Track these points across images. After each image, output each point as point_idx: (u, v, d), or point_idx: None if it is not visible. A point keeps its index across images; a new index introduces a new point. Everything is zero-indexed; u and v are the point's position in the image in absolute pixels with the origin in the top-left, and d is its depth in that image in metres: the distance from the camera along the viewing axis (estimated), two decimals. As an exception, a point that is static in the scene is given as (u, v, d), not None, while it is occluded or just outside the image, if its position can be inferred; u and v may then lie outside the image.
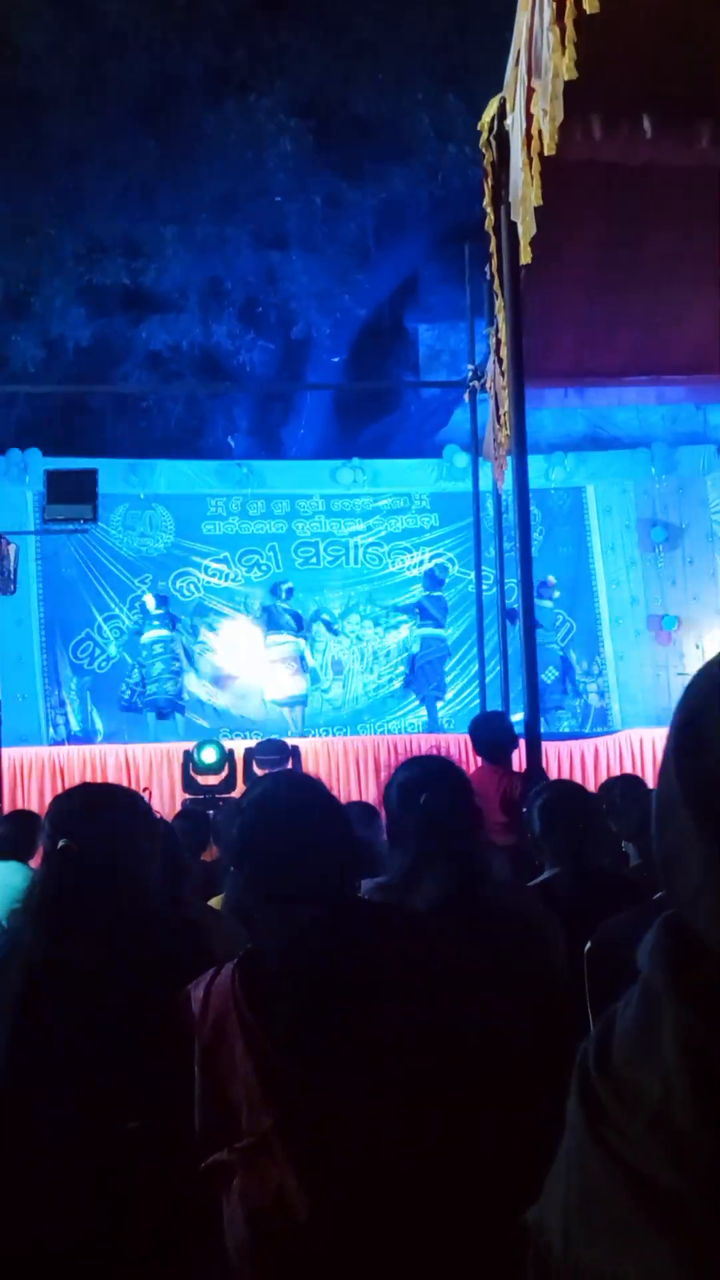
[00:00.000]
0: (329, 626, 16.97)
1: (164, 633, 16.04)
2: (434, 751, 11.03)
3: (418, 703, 16.58)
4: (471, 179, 12.70)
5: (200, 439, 19.65)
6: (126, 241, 17.24)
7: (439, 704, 16.32)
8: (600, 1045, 0.96)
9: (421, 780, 3.00)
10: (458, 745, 13.39)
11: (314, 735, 15.39)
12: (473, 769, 9.54)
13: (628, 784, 6.40)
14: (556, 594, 16.58)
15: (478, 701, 13.86)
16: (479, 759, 7.46)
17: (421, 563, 17.46)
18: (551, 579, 16.48)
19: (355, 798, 9.85)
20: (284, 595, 16.46)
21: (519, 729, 8.08)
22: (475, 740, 7.53)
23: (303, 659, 16.25)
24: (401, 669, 16.98)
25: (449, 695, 16.46)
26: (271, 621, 16.36)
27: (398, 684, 17.13)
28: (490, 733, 7.50)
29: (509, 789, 6.84)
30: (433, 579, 16.78)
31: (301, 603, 16.93)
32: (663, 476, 17.51)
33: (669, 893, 0.95)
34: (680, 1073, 0.86)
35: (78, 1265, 2.30)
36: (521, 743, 7.27)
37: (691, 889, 0.91)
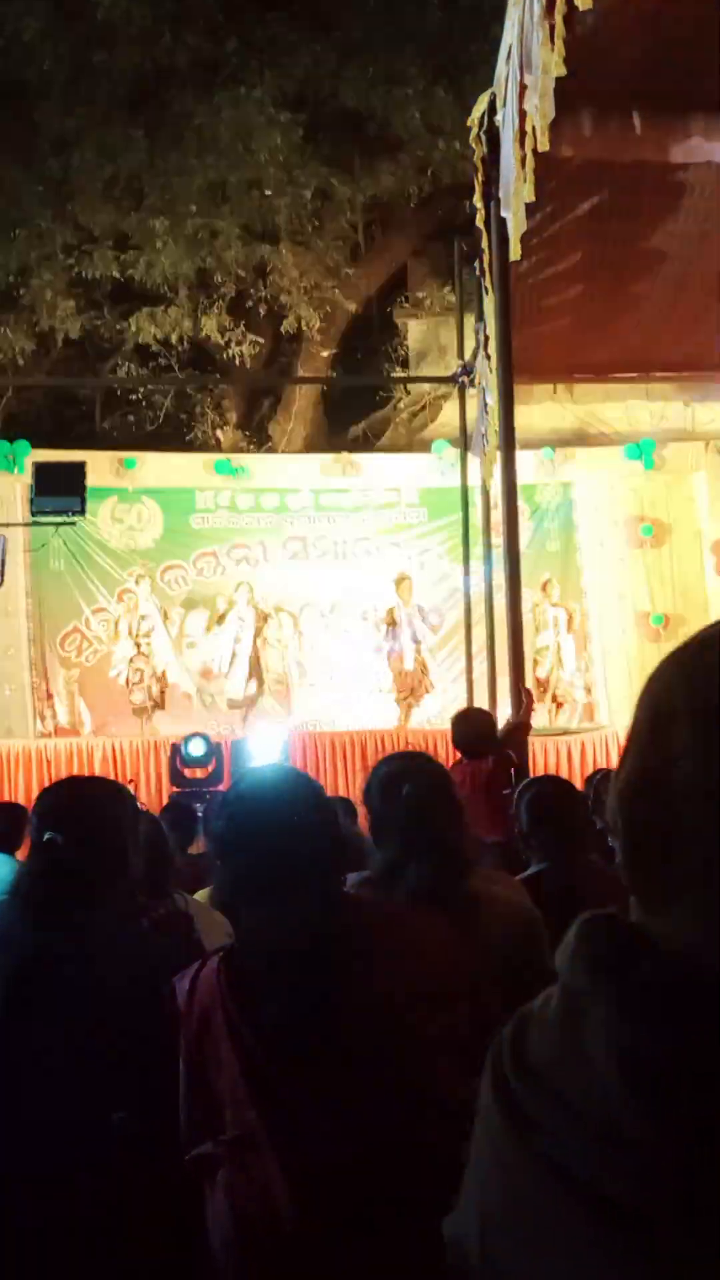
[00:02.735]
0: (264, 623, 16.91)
1: (155, 625, 16.04)
2: (418, 747, 11.04)
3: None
4: (462, 174, 12.70)
5: (189, 432, 19.61)
6: (116, 234, 17.19)
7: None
8: (515, 1045, 0.95)
9: (402, 774, 3.00)
10: (444, 741, 13.42)
11: (299, 730, 15.38)
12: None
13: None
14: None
15: (464, 698, 13.87)
16: (458, 754, 7.45)
17: (409, 558, 17.44)
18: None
19: (339, 793, 9.85)
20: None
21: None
22: (456, 735, 7.52)
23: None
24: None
25: (434, 689, 16.46)
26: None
27: (384, 678, 17.12)
28: (471, 728, 7.49)
29: (487, 780, 6.83)
30: None
31: (289, 598, 16.93)
32: (651, 473, 17.51)
33: (645, 887, 0.93)
34: (614, 1076, 0.84)
35: (69, 1253, 2.30)
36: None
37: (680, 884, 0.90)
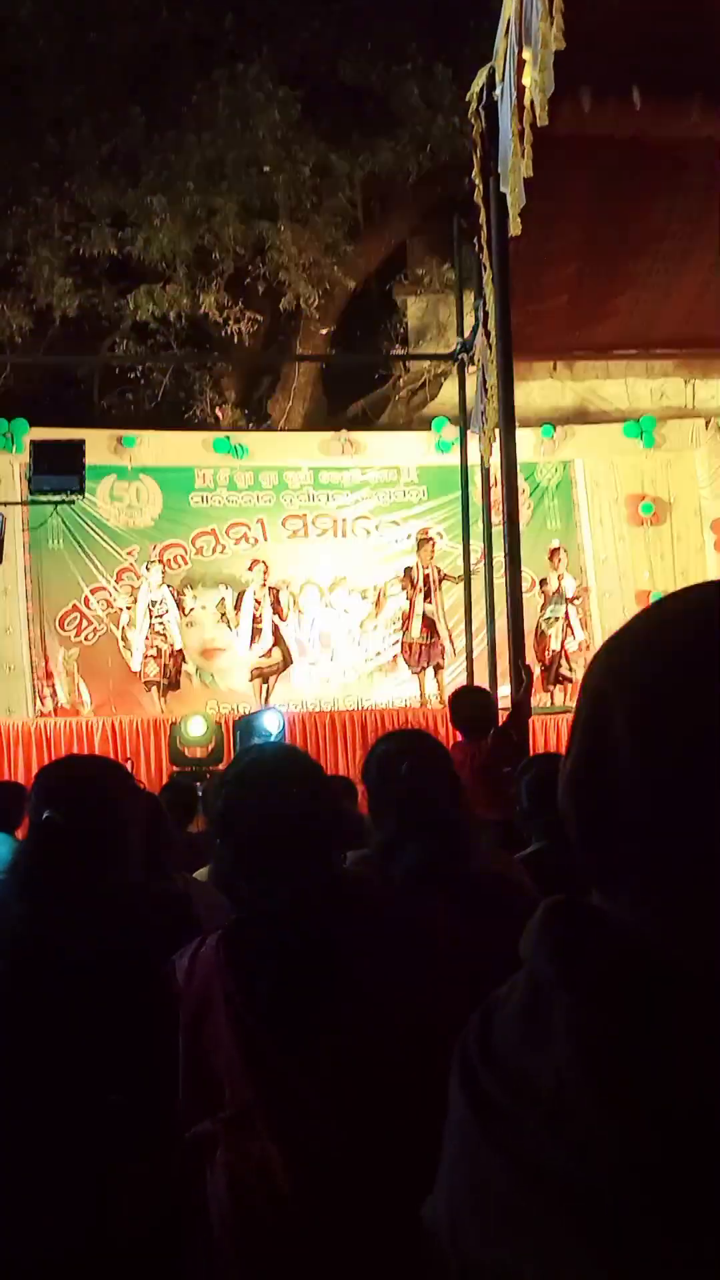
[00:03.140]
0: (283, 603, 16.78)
1: (170, 607, 16.03)
2: (421, 726, 11.04)
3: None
4: (461, 150, 12.64)
5: (188, 410, 19.57)
6: (114, 211, 17.14)
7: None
8: (481, 1035, 0.96)
9: (400, 751, 3.00)
10: (444, 719, 13.42)
11: (299, 708, 15.38)
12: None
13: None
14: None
15: (464, 675, 13.87)
16: (457, 733, 7.44)
17: (410, 535, 17.42)
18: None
19: (340, 772, 9.86)
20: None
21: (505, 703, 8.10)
22: (454, 715, 7.51)
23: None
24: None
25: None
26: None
27: (385, 656, 17.11)
28: (469, 707, 7.48)
29: (486, 760, 6.82)
30: None
31: (289, 575, 16.90)
32: (651, 451, 17.49)
33: (596, 871, 0.95)
34: (574, 1063, 0.85)
35: (65, 1239, 2.31)
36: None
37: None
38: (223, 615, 16.62)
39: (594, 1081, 0.84)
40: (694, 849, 0.87)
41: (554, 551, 16.62)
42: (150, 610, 15.97)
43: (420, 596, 16.00)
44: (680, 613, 0.94)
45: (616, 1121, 0.82)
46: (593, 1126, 0.83)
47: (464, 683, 13.63)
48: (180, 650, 16.09)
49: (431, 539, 16.57)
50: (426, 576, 16.05)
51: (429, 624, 15.93)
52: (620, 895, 0.92)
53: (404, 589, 16.31)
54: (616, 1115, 0.82)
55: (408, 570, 16.31)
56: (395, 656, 16.77)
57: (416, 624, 15.99)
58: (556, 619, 16.29)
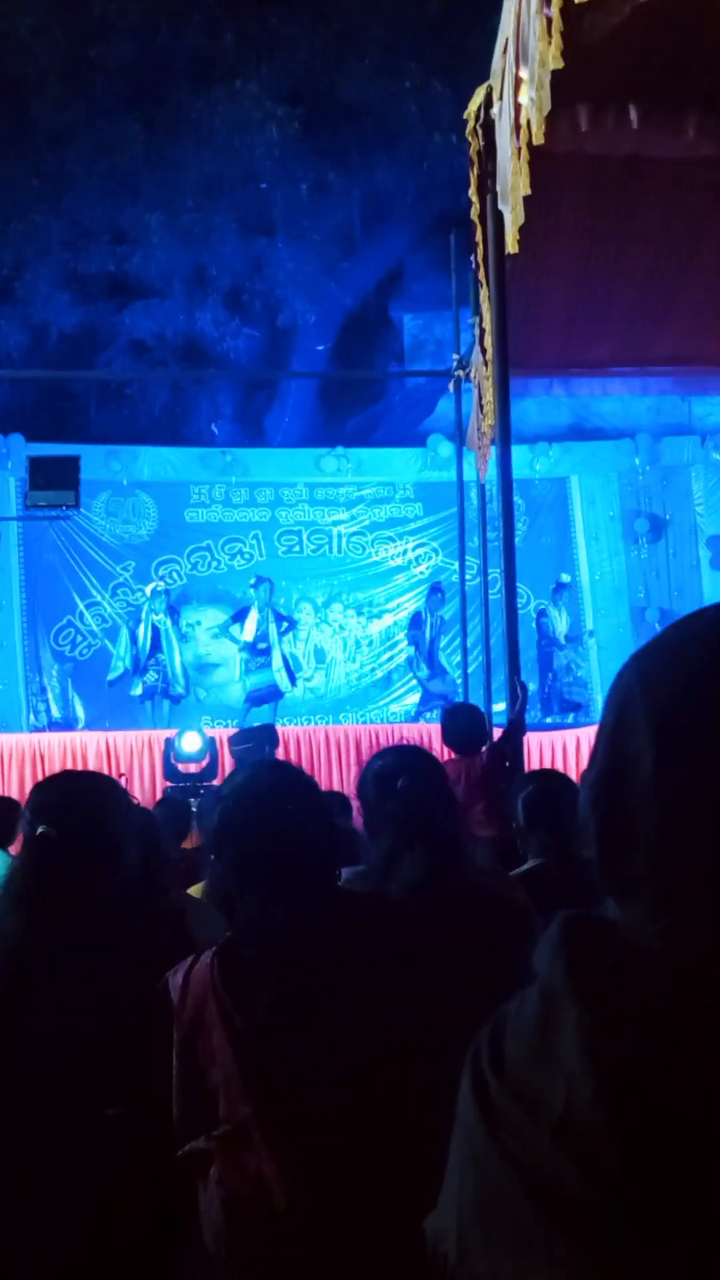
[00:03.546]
0: (286, 621, 16.72)
1: (168, 624, 16.02)
2: (416, 742, 11.02)
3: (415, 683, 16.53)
4: (458, 168, 12.66)
5: (184, 426, 19.58)
6: (112, 227, 17.18)
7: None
8: (493, 1046, 0.96)
9: (397, 768, 3.00)
10: (439, 736, 13.39)
11: (294, 724, 15.37)
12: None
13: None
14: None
15: (460, 692, 13.86)
16: (449, 751, 7.42)
17: (405, 552, 17.44)
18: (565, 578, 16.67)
19: (336, 788, 9.83)
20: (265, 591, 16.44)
21: (499, 720, 8.09)
22: (446, 732, 7.49)
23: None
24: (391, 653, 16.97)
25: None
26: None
27: (380, 673, 17.11)
28: (461, 725, 7.46)
29: (481, 776, 6.80)
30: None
31: (285, 591, 16.90)
32: (647, 468, 17.52)
33: (613, 883, 0.95)
34: (584, 1078, 0.85)
35: (63, 1252, 2.30)
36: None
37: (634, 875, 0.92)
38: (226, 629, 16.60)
39: (602, 1095, 0.84)
40: (708, 863, 0.87)
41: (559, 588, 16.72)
42: (146, 625, 15.96)
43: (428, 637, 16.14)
44: (706, 627, 0.95)
45: (623, 1136, 0.82)
46: (599, 1140, 0.83)
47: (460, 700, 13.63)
48: (175, 665, 16.07)
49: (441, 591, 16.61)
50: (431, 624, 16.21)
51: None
52: (635, 908, 0.92)
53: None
54: (623, 1130, 0.82)
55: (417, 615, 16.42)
56: (389, 673, 16.78)
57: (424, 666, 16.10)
58: None
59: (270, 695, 15.83)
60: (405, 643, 16.68)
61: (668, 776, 0.90)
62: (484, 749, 7.20)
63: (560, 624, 16.55)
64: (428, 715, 15.74)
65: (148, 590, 16.25)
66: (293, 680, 16.13)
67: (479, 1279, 0.89)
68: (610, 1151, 0.82)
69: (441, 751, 7.62)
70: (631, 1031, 0.85)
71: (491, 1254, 0.88)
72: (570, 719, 15.92)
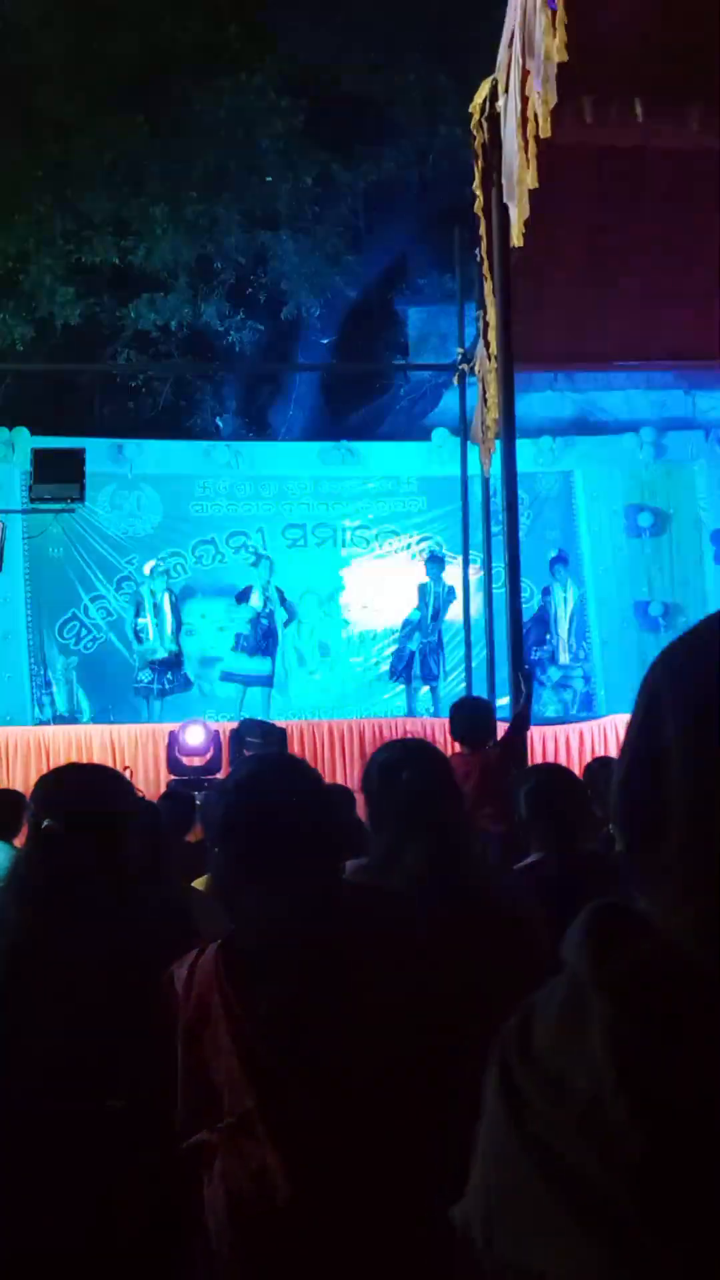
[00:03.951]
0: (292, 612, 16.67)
1: (168, 615, 16.01)
2: (420, 736, 11.02)
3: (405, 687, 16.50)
4: (462, 161, 12.64)
5: (188, 419, 19.58)
6: (115, 220, 17.17)
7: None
8: (520, 1034, 0.96)
9: (402, 761, 3.00)
10: (442, 730, 13.39)
11: (298, 718, 15.36)
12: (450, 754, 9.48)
13: (611, 768, 6.36)
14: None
15: (464, 686, 13.86)
16: (456, 745, 7.42)
17: (410, 545, 17.43)
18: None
19: (339, 781, 9.84)
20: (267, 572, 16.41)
21: (503, 713, 8.09)
22: (454, 725, 7.49)
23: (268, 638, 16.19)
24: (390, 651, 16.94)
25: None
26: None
27: (384, 667, 17.11)
28: (470, 718, 7.46)
29: (491, 770, 6.80)
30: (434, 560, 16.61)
31: (289, 585, 16.88)
32: (650, 462, 17.50)
33: (642, 873, 0.96)
34: (608, 1067, 0.85)
35: (64, 1244, 2.30)
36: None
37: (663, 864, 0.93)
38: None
39: (625, 1086, 0.84)
40: None
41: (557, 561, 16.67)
42: (151, 618, 15.95)
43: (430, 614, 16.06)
44: None
45: (647, 1125, 0.83)
46: (624, 1129, 0.83)
47: (462, 693, 13.63)
48: (179, 659, 16.07)
49: (442, 559, 16.55)
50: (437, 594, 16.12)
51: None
52: (663, 898, 0.93)
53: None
54: (647, 1119, 0.83)
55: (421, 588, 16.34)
56: (393, 666, 16.75)
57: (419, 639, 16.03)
58: None
59: (256, 680, 15.84)
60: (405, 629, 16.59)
61: (698, 767, 0.91)
62: (491, 743, 7.19)
63: (566, 602, 16.53)
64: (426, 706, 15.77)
65: (146, 569, 16.22)
66: (279, 672, 16.12)
67: (506, 1266, 0.89)
68: (632, 1142, 0.82)
69: (447, 744, 7.62)
70: (655, 1022, 0.86)
71: (519, 1240, 0.89)
72: (573, 713, 15.93)
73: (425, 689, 16.13)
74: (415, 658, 16.01)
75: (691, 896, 0.90)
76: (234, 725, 13.25)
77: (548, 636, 16.51)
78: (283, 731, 12.97)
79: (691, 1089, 0.83)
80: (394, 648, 16.68)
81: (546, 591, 16.52)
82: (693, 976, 0.87)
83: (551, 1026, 0.94)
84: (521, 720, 7.20)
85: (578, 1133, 0.86)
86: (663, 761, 0.93)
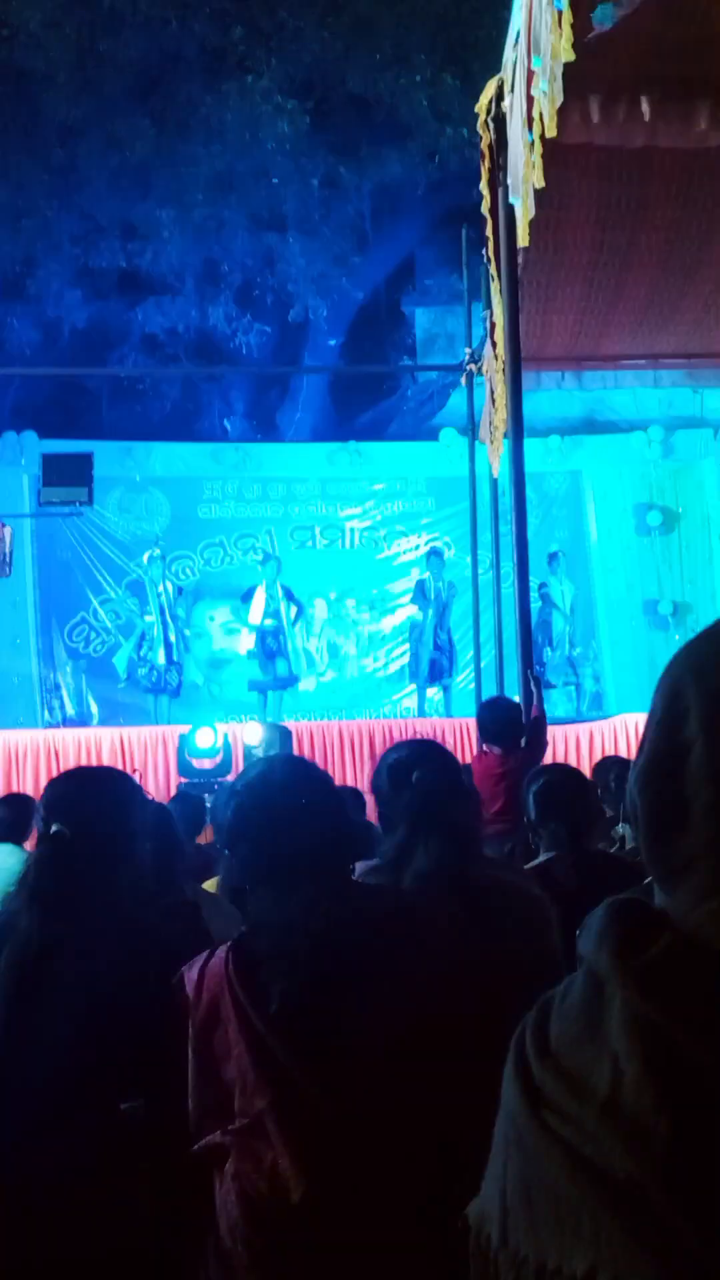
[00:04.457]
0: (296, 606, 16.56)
1: (176, 617, 16.01)
2: (430, 736, 11.02)
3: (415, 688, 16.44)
4: (469, 161, 12.65)
5: (196, 422, 19.60)
6: (123, 223, 17.19)
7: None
8: (538, 1030, 0.97)
9: (411, 760, 3.00)
10: (452, 730, 13.39)
11: (308, 719, 15.36)
12: (471, 754, 9.50)
13: (623, 767, 6.36)
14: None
15: (473, 685, 13.86)
16: (483, 744, 7.42)
17: (418, 546, 17.42)
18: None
19: (349, 783, 9.83)
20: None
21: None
22: (483, 726, 7.49)
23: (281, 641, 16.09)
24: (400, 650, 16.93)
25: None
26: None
27: (393, 668, 17.10)
28: (501, 719, 7.45)
29: (513, 770, 6.79)
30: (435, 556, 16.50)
31: (298, 587, 16.88)
32: (659, 460, 17.48)
33: (661, 868, 0.96)
34: (631, 1057, 0.86)
35: (77, 1245, 2.30)
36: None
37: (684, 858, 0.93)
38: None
39: (650, 1076, 0.85)
40: None
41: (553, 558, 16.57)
42: (161, 620, 15.94)
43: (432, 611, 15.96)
44: None
45: (672, 1115, 0.83)
46: (648, 1120, 0.84)
47: (471, 694, 13.63)
48: (188, 661, 16.08)
49: (441, 552, 16.46)
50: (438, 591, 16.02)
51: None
52: (682, 892, 0.93)
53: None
54: (672, 1109, 0.83)
55: (421, 584, 16.22)
56: (404, 667, 16.74)
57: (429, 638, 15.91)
58: None
59: (279, 684, 15.76)
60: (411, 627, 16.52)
61: (718, 761, 0.91)
62: (520, 743, 7.17)
63: (564, 593, 16.46)
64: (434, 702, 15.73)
65: (144, 558, 16.18)
66: (296, 669, 16.02)
67: (522, 1261, 0.89)
68: (658, 1130, 0.83)
69: (458, 746, 7.62)
70: (678, 1012, 0.87)
71: (536, 1235, 0.89)
72: (582, 712, 15.90)
73: (438, 691, 16.06)
74: (426, 658, 15.93)
75: (715, 889, 0.90)
76: (244, 727, 13.24)
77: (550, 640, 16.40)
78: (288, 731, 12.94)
79: (716, 1077, 0.83)
80: (405, 649, 16.63)
81: (544, 587, 16.27)
82: (714, 969, 0.88)
83: (570, 1020, 0.94)
84: (541, 721, 7.20)
85: (599, 1124, 0.86)
86: (685, 757, 0.93)
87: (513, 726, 7.23)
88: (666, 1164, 0.82)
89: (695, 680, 0.95)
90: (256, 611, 15.87)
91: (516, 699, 7.51)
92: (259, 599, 15.87)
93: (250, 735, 12.58)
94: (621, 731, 13.67)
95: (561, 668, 16.26)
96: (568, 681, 16.33)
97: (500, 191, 6.99)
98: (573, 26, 4.81)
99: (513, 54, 6.15)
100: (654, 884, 0.98)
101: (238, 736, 12.85)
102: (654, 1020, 0.87)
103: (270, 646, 15.81)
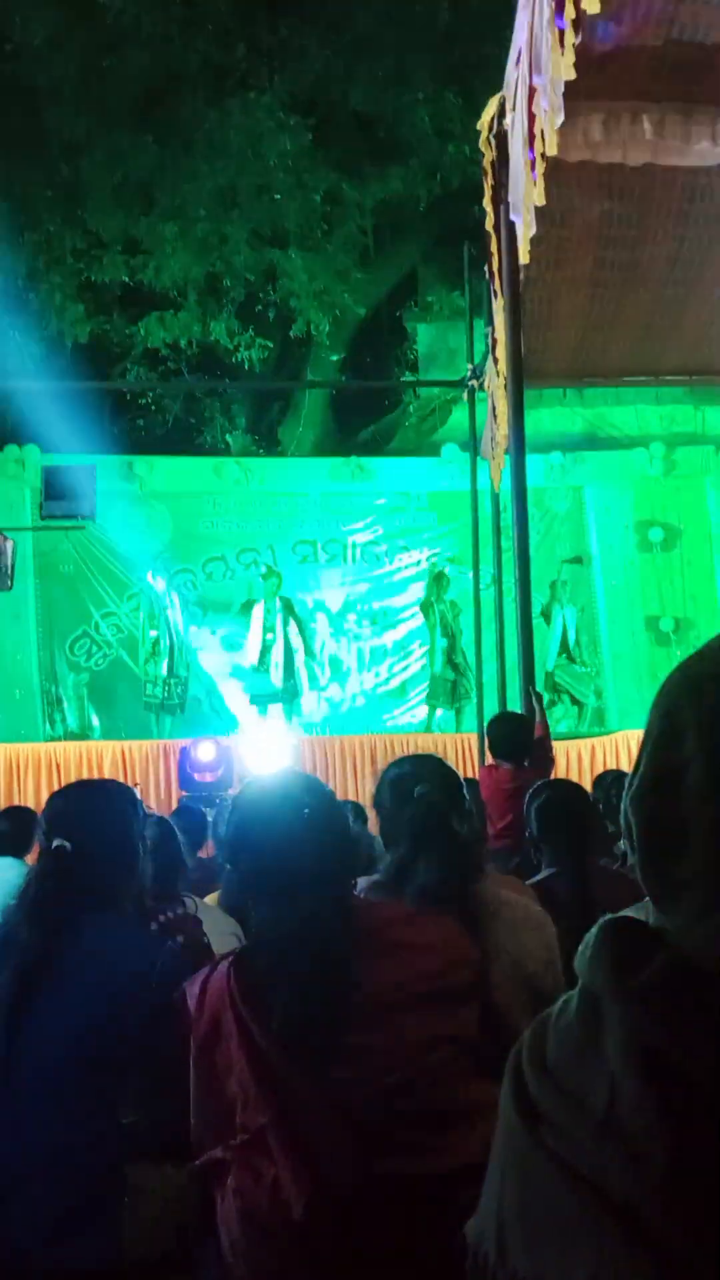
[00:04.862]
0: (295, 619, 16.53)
1: (181, 632, 16.03)
2: (432, 751, 11.01)
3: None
4: (471, 178, 12.70)
5: (198, 436, 19.62)
6: (125, 238, 17.23)
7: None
8: (535, 1048, 0.97)
9: (414, 776, 3.00)
10: (454, 745, 13.39)
11: (310, 734, 15.35)
12: (473, 769, 9.48)
13: (623, 782, 6.35)
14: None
15: (476, 702, 13.85)
16: (491, 758, 7.42)
17: (420, 561, 17.43)
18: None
19: (351, 797, 9.82)
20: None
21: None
22: (492, 739, 7.49)
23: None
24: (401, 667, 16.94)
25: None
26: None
27: (394, 683, 17.09)
28: (511, 735, 7.45)
29: (523, 787, 6.79)
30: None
31: (300, 602, 16.88)
32: (661, 477, 17.49)
33: (657, 887, 0.96)
34: (628, 1076, 0.86)
35: (82, 1256, 2.30)
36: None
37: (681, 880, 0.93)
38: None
39: (647, 1095, 0.85)
40: None
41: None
42: (165, 634, 15.95)
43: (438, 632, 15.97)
44: None
45: (669, 1133, 0.83)
46: (645, 1137, 0.84)
47: (473, 709, 13.63)
48: (185, 677, 16.08)
49: (446, 575, 16.46)
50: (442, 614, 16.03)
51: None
52: (679, 912, 0.93)
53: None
54: (669, 1127, 0.83)
55: (426, 605, 16.25)
56: (405, 682, 16.74)
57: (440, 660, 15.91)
58: None
59: (280, 698, 15.73)
60: (420, 651, 16.59)
61: (717, 781, 0.91)
62: (528, 759, 7.17)
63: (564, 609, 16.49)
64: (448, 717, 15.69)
65: (148, 576, 16.24)
66: (298, 683, 15.99)
67: (520, 1277, 0.90)
68: (656, 1148, 0.83)
69: (460, 761, 7.62)
70: (675, 1031, 0.86)
71: (534, 1252, 0.89)
72: (583, 729, 15.89)
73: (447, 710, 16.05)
74: (443, 679, 15.89)
75: (712, 911, 0.90)
76: (245, 742, 13.23)
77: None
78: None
79: (714, 1096, 0.83)
80: (407, 664, 16.64)
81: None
82: (712, 989, 0.87)
83: (567, 1039, 0.94)
84: (545, 740, 7.21)
85: (596, 1142, 0.86)
86: (682, 775, 0.93)
87: (523, 742, 7.23)
88: (664, 1183, 0.82)
89: (691, 699, 0.95)
90: (257, 626, 15.87)
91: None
92: (260, 613, 15.88)
93: (203, 753, 12.54)
94: (623, 747, 13.67)
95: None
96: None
97: (502, 208, 7.02)
98: (574, 46, 4.84)
99: (514, 72, 6.18)
100: (650, 902, 0.97)
101: (238, 751, 12.84)
102: (650, 1039, 0.87)
103: (271, 661, 15.79)
